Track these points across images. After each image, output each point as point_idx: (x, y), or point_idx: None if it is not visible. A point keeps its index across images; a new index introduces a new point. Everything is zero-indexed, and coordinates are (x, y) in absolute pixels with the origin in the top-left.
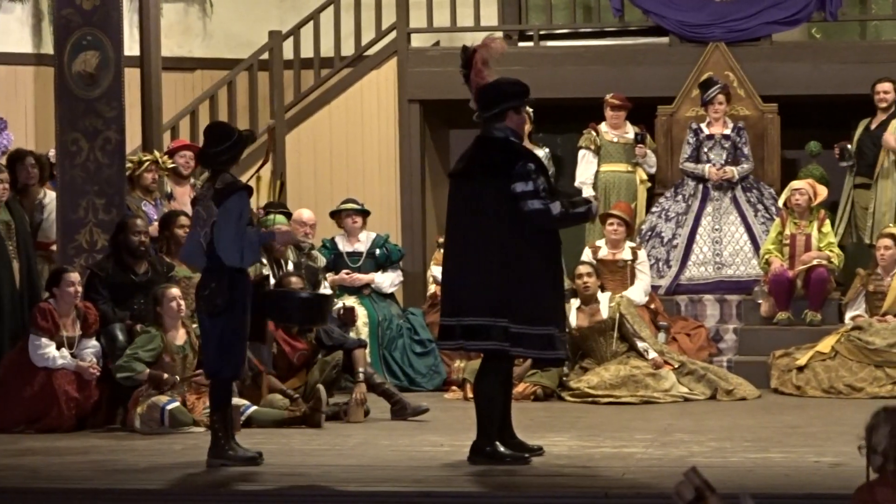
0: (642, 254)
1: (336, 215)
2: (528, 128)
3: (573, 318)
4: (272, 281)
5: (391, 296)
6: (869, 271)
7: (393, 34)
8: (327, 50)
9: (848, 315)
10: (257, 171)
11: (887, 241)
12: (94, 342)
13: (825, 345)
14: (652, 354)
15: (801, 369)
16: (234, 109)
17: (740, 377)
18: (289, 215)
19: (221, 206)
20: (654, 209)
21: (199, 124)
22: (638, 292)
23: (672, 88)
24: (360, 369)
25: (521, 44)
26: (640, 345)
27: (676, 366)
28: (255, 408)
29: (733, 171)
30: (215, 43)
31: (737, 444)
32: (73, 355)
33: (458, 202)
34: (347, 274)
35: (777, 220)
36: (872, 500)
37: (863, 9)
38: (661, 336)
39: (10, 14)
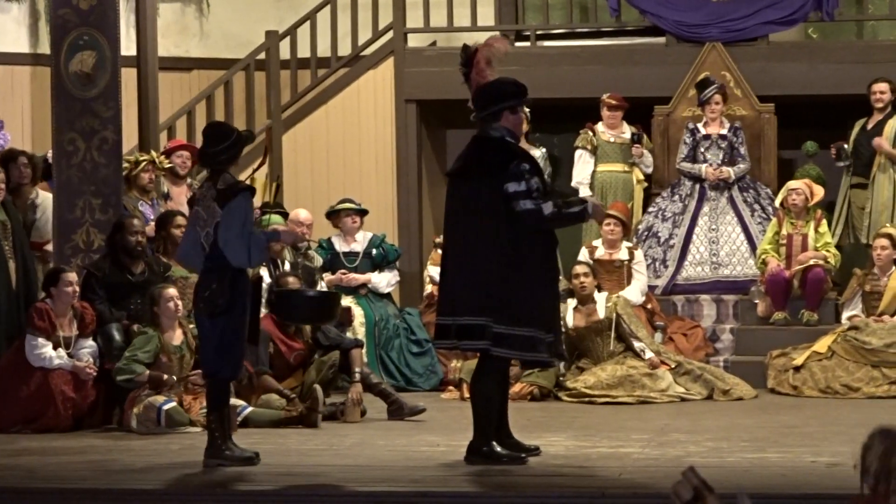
0: (639, 254)
1: (333, 215)
2: (524, 128)
3: (570, 318)
4: (267, 280)
5: (388, 296)
6: (865, 271)
7: (390, 34)
8: (324, 50)
9: (844, 315)
10: (255, 171)
11: (884, 241)
12: (90, 342)
13: (822, 345)
14: (648, 354)
15: (797, 369)
16: (231, 109)
17: (737, 377)
18: (285, 215)
19: (225, 206)
20: (650, 209)
21: (195, 124)
22: (634, 292)
23: (669, 88)
24: (357, 369)
25: (517, 44)
26: (637, 345)
27: (673, 366)
28: (251, 408)
29: (730, 172)
30: (212, 43)
31: (733, 444)
32: (69, 355)
33: (454, 202)
34: (344, 274)
35: (774, 220)
36: None
37: (859, 9)
38: (658, 336)
39: (7, 14)
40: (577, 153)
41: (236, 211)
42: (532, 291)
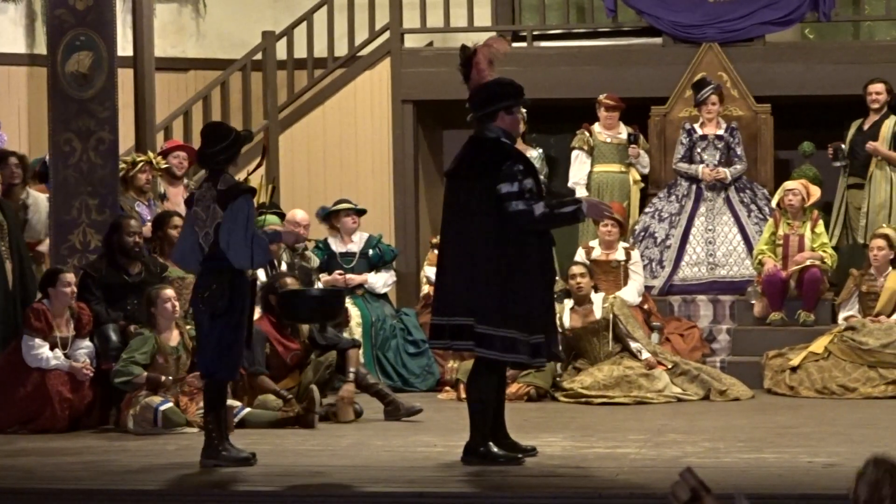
0: (636, 254)
1: (330, 216)
2: (521, 128)
3: (566, 319)
4: (262, 281)
5: (384, 296)
6: (862, 271)
7: (386, 35)
8: (321, 50)
9: (841, 315)
10: (252, 172)
11: (880, 242)
12: (87, 343)
13: (818, 345)
14: (645, 355)
15: (794, 370)
16: (228, 110)
17: (734, 378)
18: (282, 216)
19: (228, 208)
20: (647, 210)
21: (192, 125)
22: (631, 293)
23: (665, 89)
24: (352, 369)
25: (514, 44)
26: (634, 345)
27: (670, 366)
28: (248, 409)
29: (726, 172)
30: (209, 43)
31: (730, 445)
32: (66, 356)
33: (450, 202)
34: (340, 274)
35: (770, 220)
36: None
37: (856, 9)
38: (655, 336)
39: (4, 14)
40: (574, 154)
41: (239, 213)
42: (522, 292)
